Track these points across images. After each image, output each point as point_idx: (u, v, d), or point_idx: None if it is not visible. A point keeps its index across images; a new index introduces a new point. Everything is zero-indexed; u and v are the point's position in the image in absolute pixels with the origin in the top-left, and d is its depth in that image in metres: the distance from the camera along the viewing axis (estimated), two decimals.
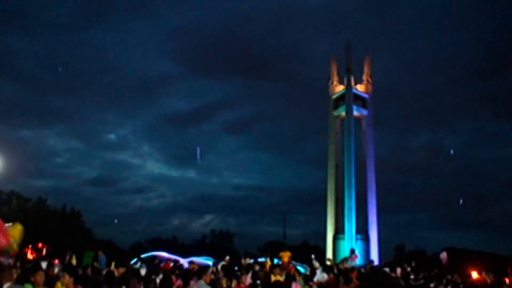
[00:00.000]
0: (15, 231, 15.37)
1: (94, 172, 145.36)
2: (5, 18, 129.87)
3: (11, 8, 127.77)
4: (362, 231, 42.95)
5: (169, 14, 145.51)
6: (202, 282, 11.25)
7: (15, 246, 14.44)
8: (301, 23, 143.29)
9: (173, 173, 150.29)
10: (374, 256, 41.15)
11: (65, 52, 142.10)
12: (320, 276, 16.04)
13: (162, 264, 21.33)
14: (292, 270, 17.80)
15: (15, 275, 10.03)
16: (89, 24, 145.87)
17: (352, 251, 25.99)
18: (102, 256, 20.25)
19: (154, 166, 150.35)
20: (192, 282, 11.79)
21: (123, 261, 13.88)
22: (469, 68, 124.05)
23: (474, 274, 22.55)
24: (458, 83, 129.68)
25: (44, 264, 14.45)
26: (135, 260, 25.70)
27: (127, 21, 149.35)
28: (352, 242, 40.52)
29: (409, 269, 22.72)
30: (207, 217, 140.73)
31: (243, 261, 20.88)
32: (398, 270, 22.06)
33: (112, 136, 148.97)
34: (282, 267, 17.90)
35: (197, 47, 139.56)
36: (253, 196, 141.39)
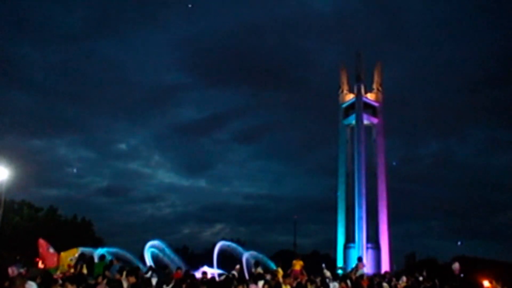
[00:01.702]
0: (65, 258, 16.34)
1: (105, 182, 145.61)
2: (18, 29, 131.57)
3: (23, 19, 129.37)
4: (373, 240, 42.75)
5: (179, 25, 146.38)
6: None
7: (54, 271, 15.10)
8: (311, 32, 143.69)
9: (184, 182, 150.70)
10: (385, 264, 40.92)
11: (76, 63, 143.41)
12: (332, 285, 15.96)
13: (172, 273, 21.29)
14: (304, 280, 17.72)
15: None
16: (100, 35, 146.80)
17: (359, 259, 25.86)
18: (115, 265, 20.22)
19: (165, 176, 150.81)
20: None
21: (134, 270, 13.84)
22: (479, 76, 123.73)
23: (486, 283, 22.38)
24: (469, 91, 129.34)
25: None
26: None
27: (137, 32, 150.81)
28: (363, 251, 40.32)
29: (421, 278, 22.55)
30: (218, 226, 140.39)
31: (253, 270, 20.80)
32: (404, 279, 21.92)
33: (122, 146, 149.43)
34: (294, 277, 17.85)
35: (207, 57, 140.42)
36: (264, 205, 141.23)
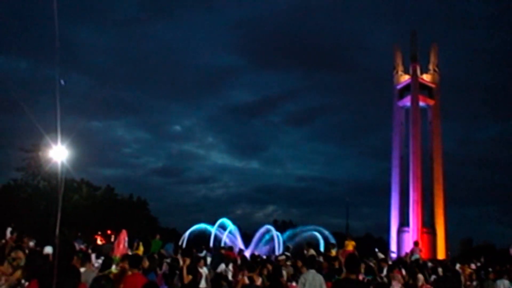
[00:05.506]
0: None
1: (160, 162, 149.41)
2: (76, 13, 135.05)
3: (81, 3, 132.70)
4: (428, 224, 41.95)
5: (231, 8, 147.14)
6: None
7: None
8: (363, 12, 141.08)
9: (237, 163, 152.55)
10: (441, 250, 40.17)
11: (132, 46, 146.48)
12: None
13: (224, 252, 21.55)
14: None
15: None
16: (155, 18, 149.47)
17: (416, 244, 25.39)
18: (169, 244, 20.71)
19: (218, 157, 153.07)
20: None
21: (188, 251, 14.12)
22: None
23: None
24: None
25: None
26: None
27: (191, 15, 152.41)
28: (418, 235, 39.64)
29: (477, 264, 21.95)
30: (270, 208, 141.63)
31: (305, 252, 20.80)
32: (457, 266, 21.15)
33: (177, 127, 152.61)
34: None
35: (259, 39, 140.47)
36: (316, 187, 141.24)
